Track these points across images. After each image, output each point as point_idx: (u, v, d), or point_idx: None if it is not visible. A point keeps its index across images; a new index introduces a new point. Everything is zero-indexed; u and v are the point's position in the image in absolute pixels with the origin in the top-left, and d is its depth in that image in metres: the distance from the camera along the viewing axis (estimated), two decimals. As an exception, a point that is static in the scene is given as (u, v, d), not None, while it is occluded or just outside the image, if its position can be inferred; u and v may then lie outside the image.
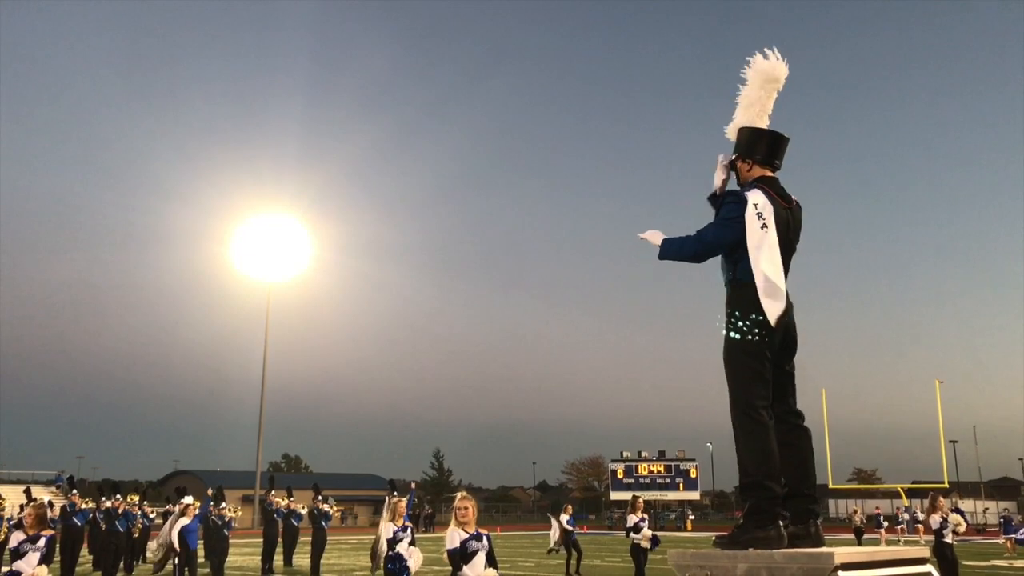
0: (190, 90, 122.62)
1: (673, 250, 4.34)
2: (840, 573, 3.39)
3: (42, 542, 8.29)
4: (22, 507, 16.54)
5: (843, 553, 3.52)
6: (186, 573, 15.20)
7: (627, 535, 14.21)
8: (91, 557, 21.74)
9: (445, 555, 7.08)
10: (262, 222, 58.47)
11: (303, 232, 60.17)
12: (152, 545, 15.10)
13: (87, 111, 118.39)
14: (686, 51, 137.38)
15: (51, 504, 18.72)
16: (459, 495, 7.40)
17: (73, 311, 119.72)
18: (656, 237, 4.40)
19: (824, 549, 3.81)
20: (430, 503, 63.45)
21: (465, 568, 6.97)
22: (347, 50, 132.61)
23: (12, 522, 16.89)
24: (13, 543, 8.26)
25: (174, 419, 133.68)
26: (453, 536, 6.99)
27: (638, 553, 14.02)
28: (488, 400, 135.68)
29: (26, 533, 8.30)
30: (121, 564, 19.34)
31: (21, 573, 8.11)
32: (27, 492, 18.33)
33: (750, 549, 3.81)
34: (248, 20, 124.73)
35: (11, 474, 60.65)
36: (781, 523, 3.95)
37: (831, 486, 47.58)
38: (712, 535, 4.06)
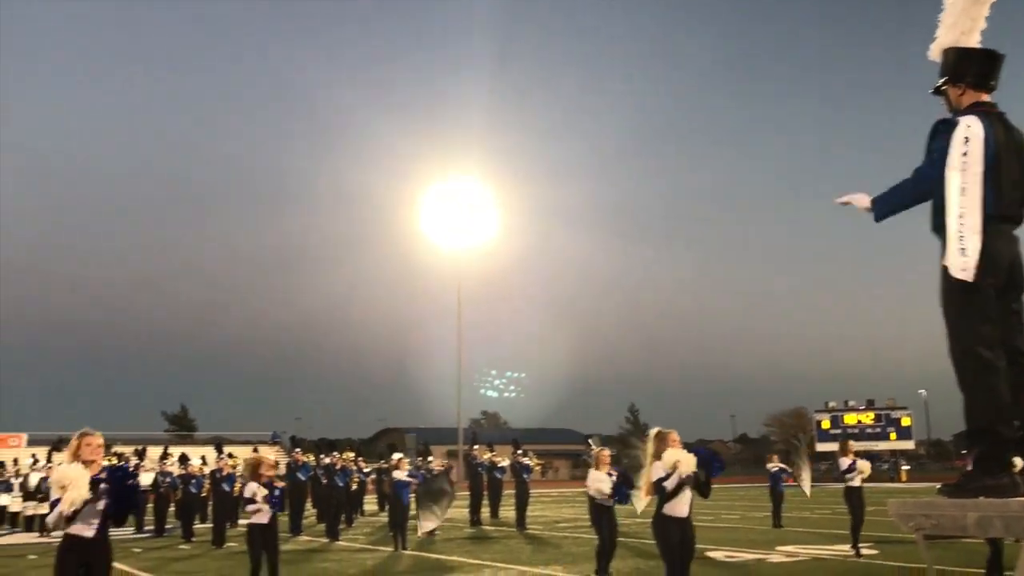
0: (382, 59, 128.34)
1: (891, 203, 4.04)
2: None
3: (276, 492, 9.11)
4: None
5: (1089, 502, 3.25)
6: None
7: (844, 480, 13.53)
8: (315, 511, 23.48)
9: (647, 489, 7.27)
10: (450, 188, 60.00)
11: (490, 197, 61.25)
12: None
13: (291, 82, 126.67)
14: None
15: (276, 462, 20.34)
16: (657, 430, 7.56)
17: (282, 274, 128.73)
18: (863, 200, 4.13)
19: (1066, 498, 3.53)
20: (627, 456, 63.81)
21: (672, 501, 7.22)
22: (533, 15, 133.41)
23: (242, 477, 18.49)
24: (248, 493, 9.11)
25: (380, 379, 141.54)
26: (656, 469, 7.31)
27: (852, 498, 13.39)
28: (684, 353, 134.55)
29: (259, 483, 9.13)
30: (342, 517, 20.66)
31: (256, 515, 8.97)
32: (255, 450, 19.98)
33: (980, 498, 3.59)
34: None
35: (238, 435, 66.46)
36: (1014, 470, 3.70)
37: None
38: (930, 486, 3.84)
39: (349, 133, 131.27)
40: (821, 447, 56.34)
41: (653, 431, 7.63)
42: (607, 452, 10.91)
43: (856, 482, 13.41)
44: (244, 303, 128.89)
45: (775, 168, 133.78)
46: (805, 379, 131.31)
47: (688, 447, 7.33)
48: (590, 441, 12.56)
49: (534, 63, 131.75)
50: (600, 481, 10.58)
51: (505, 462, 22.46)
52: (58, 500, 5.45)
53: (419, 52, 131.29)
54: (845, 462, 13.52)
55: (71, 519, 5.49)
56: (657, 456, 7.36)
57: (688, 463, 7.11)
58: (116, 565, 6.46)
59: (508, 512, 22.16)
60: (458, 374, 61.10)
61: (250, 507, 9.09)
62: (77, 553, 5.53)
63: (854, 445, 14.12)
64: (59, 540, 5.69)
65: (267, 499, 9.03)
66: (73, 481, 5.42)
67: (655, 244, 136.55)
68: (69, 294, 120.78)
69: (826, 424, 57.15)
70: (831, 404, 57.82)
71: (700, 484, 7.27)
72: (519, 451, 20.91)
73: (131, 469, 6.08)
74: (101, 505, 5.61)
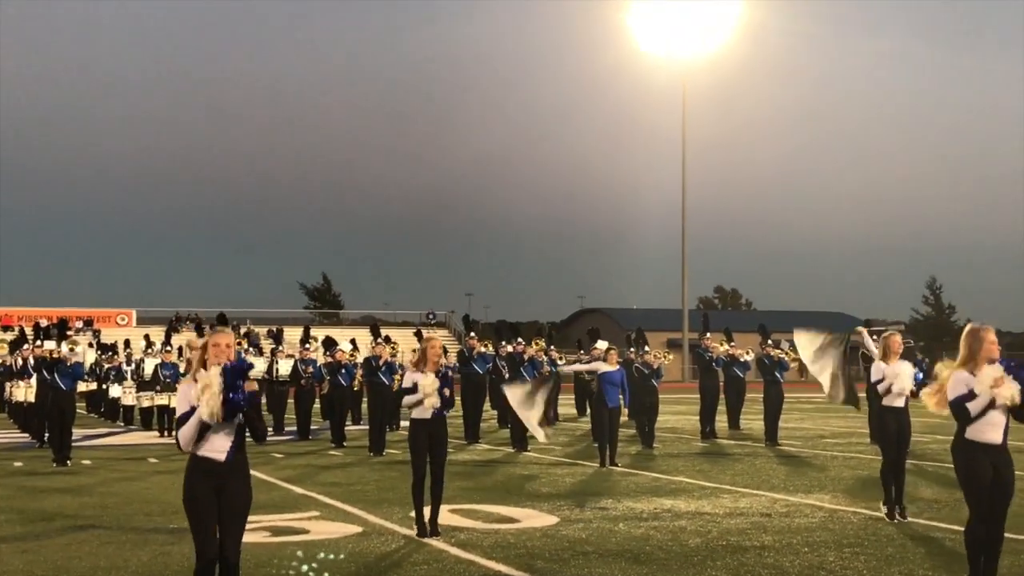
0: None
1: None
2: None
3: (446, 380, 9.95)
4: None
5: None
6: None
7: None
8: (495, 412, 24.32)
9: (937, 399, 7.31)
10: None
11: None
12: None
13: None
14: None
15: (445, 349, 21.10)
16: (971, 326, 7.38)
17: (438, 105, 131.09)
18: None
19: None
20: (922, 351, 62.20)
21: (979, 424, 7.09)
22: None
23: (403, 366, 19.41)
24: (408, 383, 9.90)
25: (577, 245, 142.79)
26: (958, 383, 7.13)
27: None
28: (1012, 210, 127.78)
29: (420, 371, 9.85)
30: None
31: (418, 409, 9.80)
32: (418, 334, 20.80)
33: None
34: None
35: (397, 315, 69.97)
36: None
37: None
38: None
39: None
40: None
41: (967, 328, 7.32)
42: (898, 338, 10.66)
43: None
44: (391, 146, 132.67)
45: None
46: None
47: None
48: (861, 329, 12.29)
49: None
50: (903, 366, 10.61)
51: (749, 356, 22.36)
52: (190, 412, 5.83)
53: None
54: None
55: (204, 435, 5.85)
56: (965, 362, 7.13)
57: (1010, 393, 6.88)
58: (254, 473, 6.93)
59: (753, 422, 22.19)
60: (682, 238, 60.93)
61: (409, 398, 9.72)
62: (208, 476, 5.93)
63: None
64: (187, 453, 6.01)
65: (437, 390, 9.63)
66: (213, 385, 5.75)
67: (976, 50, 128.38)
68: (181, 145, 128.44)
69: None
70: None
71: (1017, 409, 7.03)
72: (769, 341, 20.77)
73: (244, 361, 6.21)
74: (236, 422, 5.93)
